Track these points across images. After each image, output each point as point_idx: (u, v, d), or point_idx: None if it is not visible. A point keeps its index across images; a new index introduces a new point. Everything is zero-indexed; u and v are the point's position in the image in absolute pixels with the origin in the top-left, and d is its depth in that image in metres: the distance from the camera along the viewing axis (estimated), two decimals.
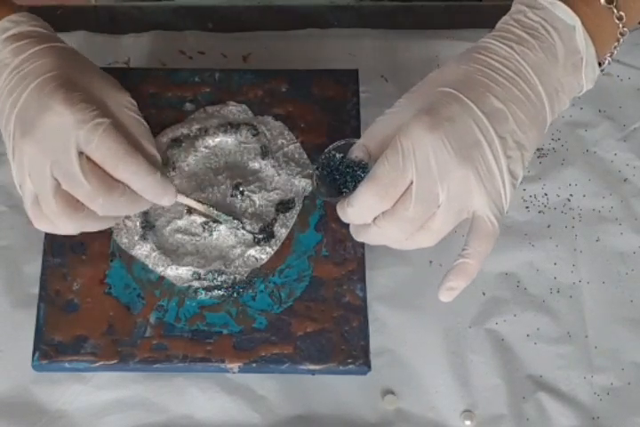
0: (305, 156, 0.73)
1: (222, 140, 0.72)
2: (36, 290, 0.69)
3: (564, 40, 0.57)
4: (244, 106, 0.74)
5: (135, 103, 0.63)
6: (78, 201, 0.58)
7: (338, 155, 0.61)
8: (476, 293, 0.72)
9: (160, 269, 0.69)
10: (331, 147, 0.62)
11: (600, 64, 0.61)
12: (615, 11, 0.58)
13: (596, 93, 0.80)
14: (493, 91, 0.56)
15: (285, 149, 0.73)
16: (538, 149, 0.77)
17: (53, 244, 0.70)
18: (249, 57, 0.81)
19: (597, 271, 0.73)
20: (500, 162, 0.56)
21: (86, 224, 0.61)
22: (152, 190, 0.60)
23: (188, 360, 0.66)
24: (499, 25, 0.60)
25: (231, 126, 0.73)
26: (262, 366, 0.67)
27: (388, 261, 0.72)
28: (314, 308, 0.68)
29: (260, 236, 0.69)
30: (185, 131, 0.73)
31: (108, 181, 0.58)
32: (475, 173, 0.55)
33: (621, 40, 0.59)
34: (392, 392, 0.69)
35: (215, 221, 0.69)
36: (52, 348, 0.66)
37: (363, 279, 0.69)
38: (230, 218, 0.69)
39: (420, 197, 0.55)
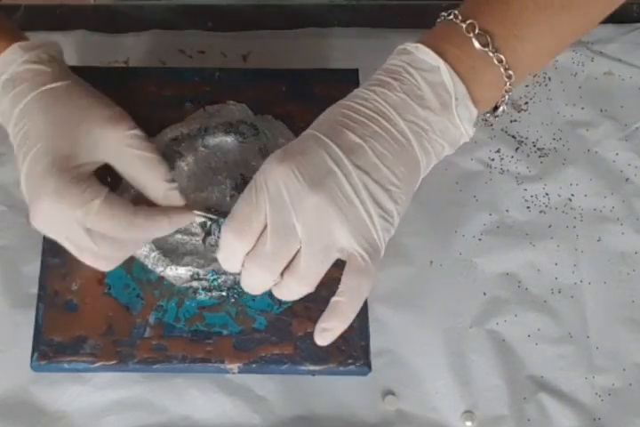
0: None
1: (222, 140, 0.72)
2: (34, 290, 0.68)
3: (429, 80, 0.56)
4: (243, 105, 0.74)
5: (137, 133, 0.61)
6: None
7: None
8: (476, 293, 0.72)
9: (159, 270, 0.68)
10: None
11: (497, 107, 0.60)
12: (492, 54, 0.57)
13: (598, 93, 0.80)
14: (350, 127, 0.56)
15: None
16: (539, 149, 0.77)
17: (53, 244, 0.69)
18: (249, 56, 0.81)
19: (599, 271, 0.73)
20: (360, 192, 0.55)
21: (118, 262, 0.63)
22: (167, 232, 0.62)
23: (187, 361, 0.66)
24: (371, 76, 0.59)
25: (231, 126, 0.72)
26: (262, 367, 0.67)
27: (389, 261, 0.72)
28: (314, 308, 0.68)
29: None
30: (185, 130, 0.72)
31: (119, 244, 0.60)
32: (330, 201, 0.54)
33: (508, 83, 0.58)
34: (392, 393, 0.69)
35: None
36: (51, 348, 0.66)
37: None
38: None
39: (276, 229, 0.54)
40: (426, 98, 0.56)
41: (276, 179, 0.55)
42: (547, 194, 0.76)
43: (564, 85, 0.80)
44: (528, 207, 0.75)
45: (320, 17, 0.83)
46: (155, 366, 0.66)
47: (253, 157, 0.72)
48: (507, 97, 0.59)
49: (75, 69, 0.74)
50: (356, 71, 0.76)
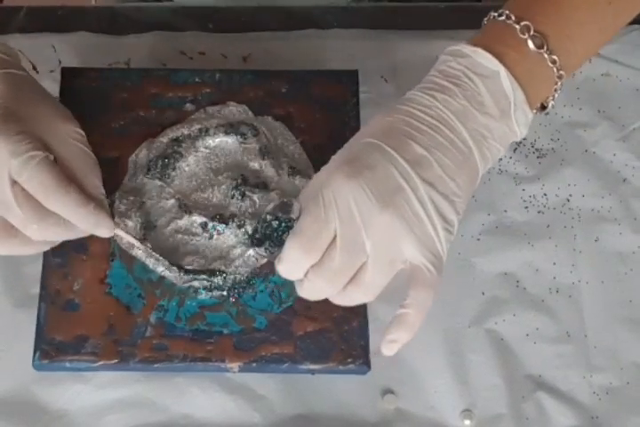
0: (305, 156, 0.73)
1: (222, 141, 0.73)
2: (36, 290, 0.69)
3: (489, 86, 0.56)
4: (244, 106, 0.74)
5: (84, 134, 0.63)
6: (13, 226, 0.60)
7: (275, 219, 0.61)
8: (475, 292, 0.72)
9: (160, 270, 0.69)
10: (268, 208, 0.62)
11: (544, 107, 0.60)
12: (546, 55, 0.57)
13: (596, 94, 0.80)
14: (416, 138, 0.56)
15: (285, 150, 0.73)
16: (537, 150, 0.78)
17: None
18: (249, 57, 0.81)
19: (596, 271, 0.73)
20: (427, 207, 0.55)
21: (20, 249, 0.62)
22: (84, 222, 0.61)
23: (188, 360, 0.67)
24: (425, 78, 0.59)
25: (231, 127, 0.73)
26: (262, 366, 0.67)
27: None
28: (314, 307, 0.68)
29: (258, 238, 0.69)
30: (185, 131, 0.73)
31: (41, 210, 0.59)
32: (400, 218, 0.55)
33: (559, 83, 0.58)
34: (392, 392, 0.69)
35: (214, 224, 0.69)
36: (53, 347, 0.66)
37: None
38: (167, 262, 0.68)
39: (345, 246, 0.55)
40: (486, 104, 0.56)
41: (346, 196, 0.54)
42: (545, 194, 0.76)
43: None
44: (526, 207, 0.76)
45: (319, 18, 0.83)
46: (155, 366, 0.67)
47: (254, 158, 0.72)
48: (555, 95, 0.60)
49: (76, 70, 0.75)
50: (355, 72, 0.76)
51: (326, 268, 0.56)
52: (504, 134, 0.58)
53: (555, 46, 0.57)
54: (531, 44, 0.57)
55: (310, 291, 0.58)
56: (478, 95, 0.56)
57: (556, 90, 0.59)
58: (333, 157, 0.59)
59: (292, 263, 0.56)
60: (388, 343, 0.57)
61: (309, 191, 0.58)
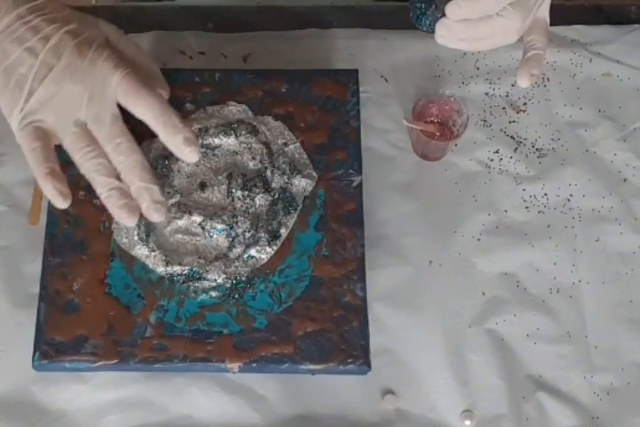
0: (305, 156, 0.73)
1: (222, 141, 0.72)
2: (36, 290, 0.69)
3: None
4: (244, 106, 0.74)
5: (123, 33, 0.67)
6: None
7: None
8: (475, 293, 0.72)
9: (160, 270, 0.69)
10: None
11: None
12: None
13: (596, 94, 0.80)
14: None
15: (285, 149, 0.73)
16: (537, 149, 0.78)
17: (54, 244, 0.70)
18: (249, 57, 0.81)
19: (597, 271, 0.73)
20: None
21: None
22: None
23: (188, 360, 0.66)
24: None
25: (231, 126, 0.73)
26: (262, 366, 0.67)
27: (388, 261, 0.73)
28: (314, 308, 0.68)
29: (261, 235, 0.69)
30: None
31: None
32: None
33: None
34: (392, 392, 0.69)
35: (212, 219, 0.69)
36: (53, 348, 0.66)
37: (363, 279, 0.69)
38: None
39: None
40: None
41: None
42: (545, 194, 0.76)
43: (562, 86, 0.80)
44: (527, 207, 0.76)
45: (320, 18, 0.83)
46: (155, 366, 0.67)
47: (254, 158, 0.72)
48: None
49: None
50: (355, 71, 0.76)
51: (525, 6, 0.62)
52: None
53: None
54: None
55: (494, 29, 0.62)
56: None
57: None
58: None
59: None
60: (530, 76, 0.65)
61: None
